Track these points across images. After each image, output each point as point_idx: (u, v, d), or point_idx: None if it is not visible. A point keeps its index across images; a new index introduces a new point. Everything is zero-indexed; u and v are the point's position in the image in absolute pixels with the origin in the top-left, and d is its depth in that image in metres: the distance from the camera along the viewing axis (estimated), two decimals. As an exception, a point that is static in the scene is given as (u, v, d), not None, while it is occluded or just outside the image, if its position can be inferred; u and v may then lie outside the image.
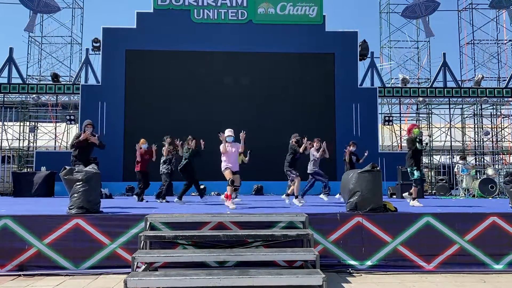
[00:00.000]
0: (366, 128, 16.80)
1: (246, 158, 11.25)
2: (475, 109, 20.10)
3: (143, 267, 5.70)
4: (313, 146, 10.36)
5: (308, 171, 10.30)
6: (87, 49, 17.83)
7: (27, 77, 18.79)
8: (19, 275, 5.93)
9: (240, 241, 6.06)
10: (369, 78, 17.80)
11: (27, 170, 17.99)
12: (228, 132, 9.02)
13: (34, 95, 17.59)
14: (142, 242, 5.85)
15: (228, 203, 8.37)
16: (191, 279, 4.92)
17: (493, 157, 20.24)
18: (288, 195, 9.89)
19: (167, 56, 16.81)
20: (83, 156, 8.48)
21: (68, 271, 6.05)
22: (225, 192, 8.63)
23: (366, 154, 11.95)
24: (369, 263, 6.31)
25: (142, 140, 11.09)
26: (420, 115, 20.19)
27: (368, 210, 6.57)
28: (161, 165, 10.65)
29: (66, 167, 6.87)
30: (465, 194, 14.73)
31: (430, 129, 19.52)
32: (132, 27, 16.94)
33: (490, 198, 13.66)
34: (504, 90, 18.25)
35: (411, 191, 9.27)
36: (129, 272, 5.30)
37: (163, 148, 10.58)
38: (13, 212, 6.73)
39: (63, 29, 19.94)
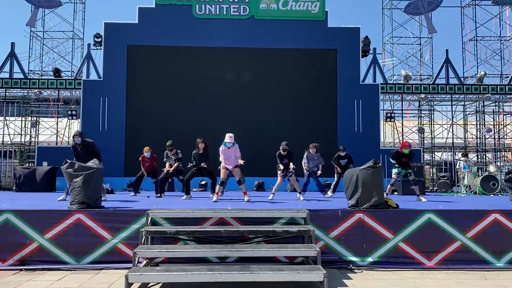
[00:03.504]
0: (368, 125, 16.77)
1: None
2: (477, 106, 20.06)
3: (144, 262, 5.70)
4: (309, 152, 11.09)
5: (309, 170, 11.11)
6: (88, 44, 17.83)
7: (29, 72, 18.81)
8: (21, 270, 5.94)
9: (241, 237, 6.05)
10: (371, 74, 17.76)
11: (28, 165, 18.02)
12: (228, 138, 9.11)
13: (35, 90, 17.60)
14: (143, 237, 5.85)
15: (215, 197, 9.15)
16: (192, 275, 4.92)
17: (495, 154, 20.19)
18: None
19: (169, 52, 16.77)
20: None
21: (70, 266, 6.06)
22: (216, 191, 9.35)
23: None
24: (370, 259, 6.31)
25: (145, 148, 11.23)
26: (422, 112, 20.15)
27: (369, 207, 6.56)
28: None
29: (68, 160, 6.87)
30: (466, 191, 14.71)
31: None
32: (134, 23, 16.91)
33: (491, 195, 13.64)
34: (506, 87, 18.18)
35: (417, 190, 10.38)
36: (131, 267, 5.30)
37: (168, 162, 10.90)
38: (15, 207, 6.73)
39: (65, 24, 19.96)
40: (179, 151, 10.81)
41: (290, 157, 9.94)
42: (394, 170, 10.46)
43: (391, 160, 10.51)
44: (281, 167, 9.90)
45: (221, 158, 9.22)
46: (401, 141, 11.08)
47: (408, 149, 10.28)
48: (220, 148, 9.23)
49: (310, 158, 11.15)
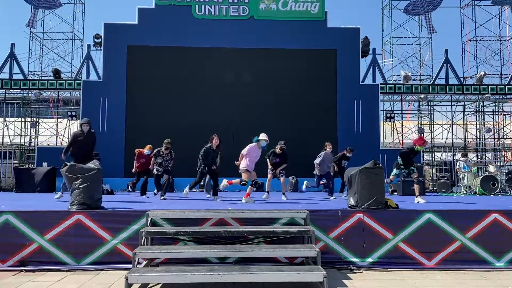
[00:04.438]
0: (368, 125, 16.77)
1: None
2: (477, 106, 20.06)
3: (144, 263, 5.70)
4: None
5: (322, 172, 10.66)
6: (88, 45, 17.84)
7: (29, 73, 18.81)
8: (21, 271, 5.95)
9: (241, 238, 6.05)
10: (371, 74, 17.77)
11: (28, 166, 18.02)
12: (265, 136, 8.91)
13: (35, 91, 17.60)
14: (143, 238, 5.85)
15: (247, 199, 8.64)
16: (192, 275, 4.92)
17: (494, 154, 20.21)
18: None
19: (169, 52, 16.78)
20: (80, 153, 8.59)
21: (69, 267, 6.06)
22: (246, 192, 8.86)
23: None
24: (370, 260, 6.31)
25: (148, 146, 10.96)
26: (422, 112, 20.15)
27: (369, 207, 6.57)
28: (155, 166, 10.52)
29: (67, 163, 6.87)
30: (466, 191, 14.72)
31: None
32: (134, 23, 16.92)
33: (491, 195, 13.65)
34: (506, 87, 18.19)
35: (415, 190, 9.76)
36: (130, 268, 5.29)
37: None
38: (15, 207, 6.73)
39: (65, 25, 19.96)
40: (173, 153, 10.45)
41: (284, 158, 10.04)
42: (395, 171, 9.74)
43: (399, 160, 9.56)
44: (270, 166, 10.01)
45: (245, 156, 8.82)
46: (418, 136, 10.14)
47: (422, 147, 9.47)
48: (251, 145, 8.84)
49: (328, 158, 10.63)
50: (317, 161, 10.60)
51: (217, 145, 9.53)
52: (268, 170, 10.12)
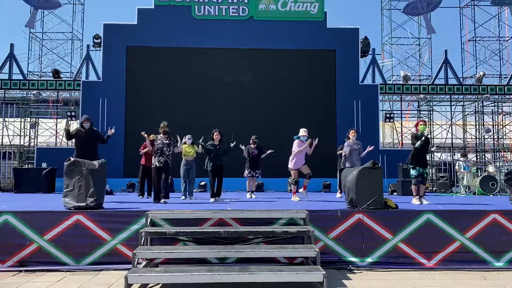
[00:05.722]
0: (367, 125, 16.75)
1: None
2: (477, 106, 20.05)
3: (144, 263, 5.70)
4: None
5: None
6: (87, 45, 17.82)
7: (28, 73, 18.78)
8: (20, 271, 5.95)
9: (241, 238, 6.06)
10: (370, 75, 17.77)
11: (28, 166, 18.01)
12: (304, 132, 9.51)
13: (35, 91, 17.58)
14: (143, 238, 5.85)
15: (294, 197, 9.33)
16: (192, 275, 4.92)
17: (494, 155, 20.21)
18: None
19: (168, 53, 16.77)
20: (83, 151, 8.47)
21: (69, 267, 6.06)
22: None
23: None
24: (369, 260, 6.32)
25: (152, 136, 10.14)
26: (421, 112, 20.15)
27: (369, 207, 6.57)
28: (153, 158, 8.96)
29: (71, 158, 6.86)
30: (466, 192, 14.73)
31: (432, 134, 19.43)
32: (133, 23, 16.90)
33: (491, 195, 13.65)
34: (505, 87, 18.19)
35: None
36: (130, 268, 5.30)
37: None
38: (14, 208, 6.73)
39: (64, 25, 19.91)
40: (172, 138, 9.21)
41: (260, 150, 10.82)
42: (413, 172, 8.49)
43: (414, 145, 8.40)
44: (247, 172, 10.72)
45: (296, 151, 9.46)
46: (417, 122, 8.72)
47: (424, 126, 8.51)
48: (296, 142, 9.52)
49: (351, 147, 9.73)
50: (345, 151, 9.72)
51: (219, 140, 9.58)
52: (246, 172, 10.80)
